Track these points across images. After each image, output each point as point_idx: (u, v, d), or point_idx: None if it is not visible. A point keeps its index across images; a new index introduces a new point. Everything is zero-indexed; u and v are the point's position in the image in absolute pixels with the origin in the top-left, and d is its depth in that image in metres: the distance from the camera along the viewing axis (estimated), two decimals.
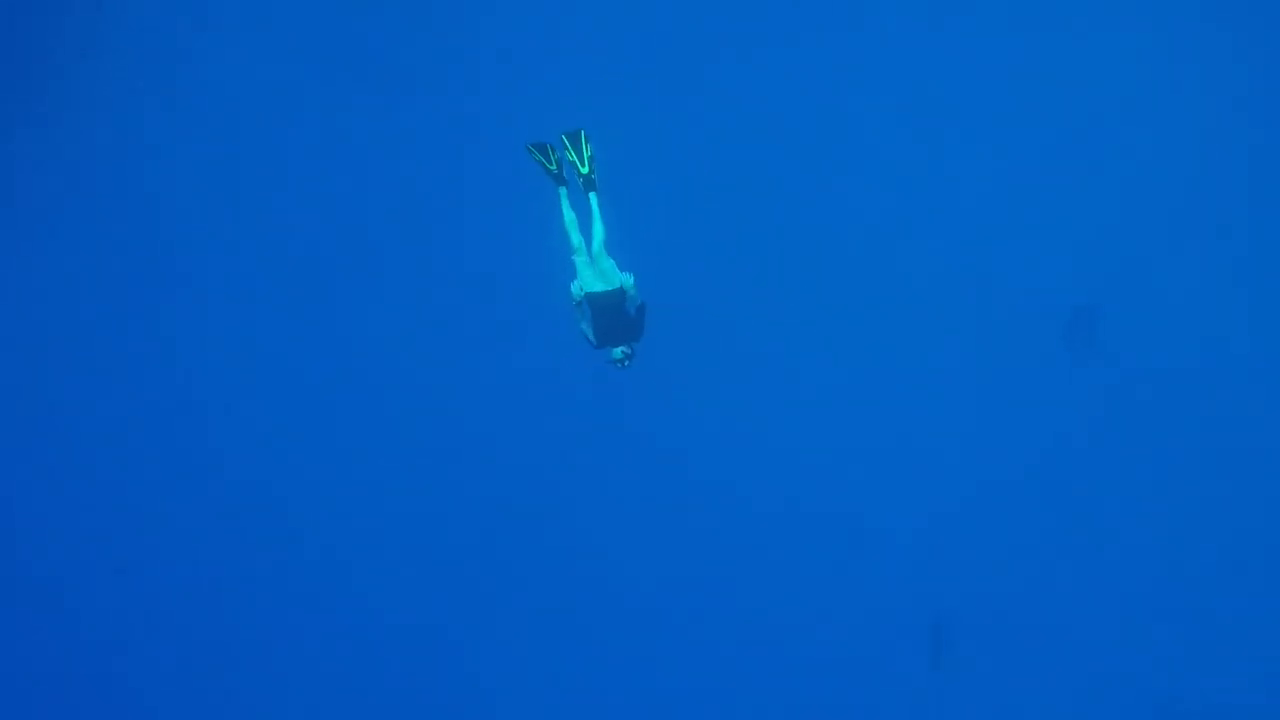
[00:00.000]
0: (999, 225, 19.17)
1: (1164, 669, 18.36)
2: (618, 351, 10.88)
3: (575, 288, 10.98)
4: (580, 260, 10.93)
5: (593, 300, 10.87)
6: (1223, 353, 18.90)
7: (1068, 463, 19.02)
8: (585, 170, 11.15)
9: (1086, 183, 19.09)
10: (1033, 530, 19.02)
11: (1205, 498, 18.74)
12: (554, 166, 11.19)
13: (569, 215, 11.02)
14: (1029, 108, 19.15)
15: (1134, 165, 19.02)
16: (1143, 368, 19.06)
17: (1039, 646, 18.71)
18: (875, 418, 19.17)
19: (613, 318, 10.88)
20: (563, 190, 11.15)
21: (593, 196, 11.14)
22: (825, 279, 19.20)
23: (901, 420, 19.16)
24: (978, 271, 19.20)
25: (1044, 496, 19.04)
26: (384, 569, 19.16)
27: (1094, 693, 18.46)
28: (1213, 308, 19.00)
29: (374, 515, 19.24)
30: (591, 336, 10.95)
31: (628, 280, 10.97)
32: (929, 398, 19.14)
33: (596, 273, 10.88)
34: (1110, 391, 19.07)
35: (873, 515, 19.14)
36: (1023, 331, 19.04)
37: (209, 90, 19.28)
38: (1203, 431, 18.88)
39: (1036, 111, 19.12)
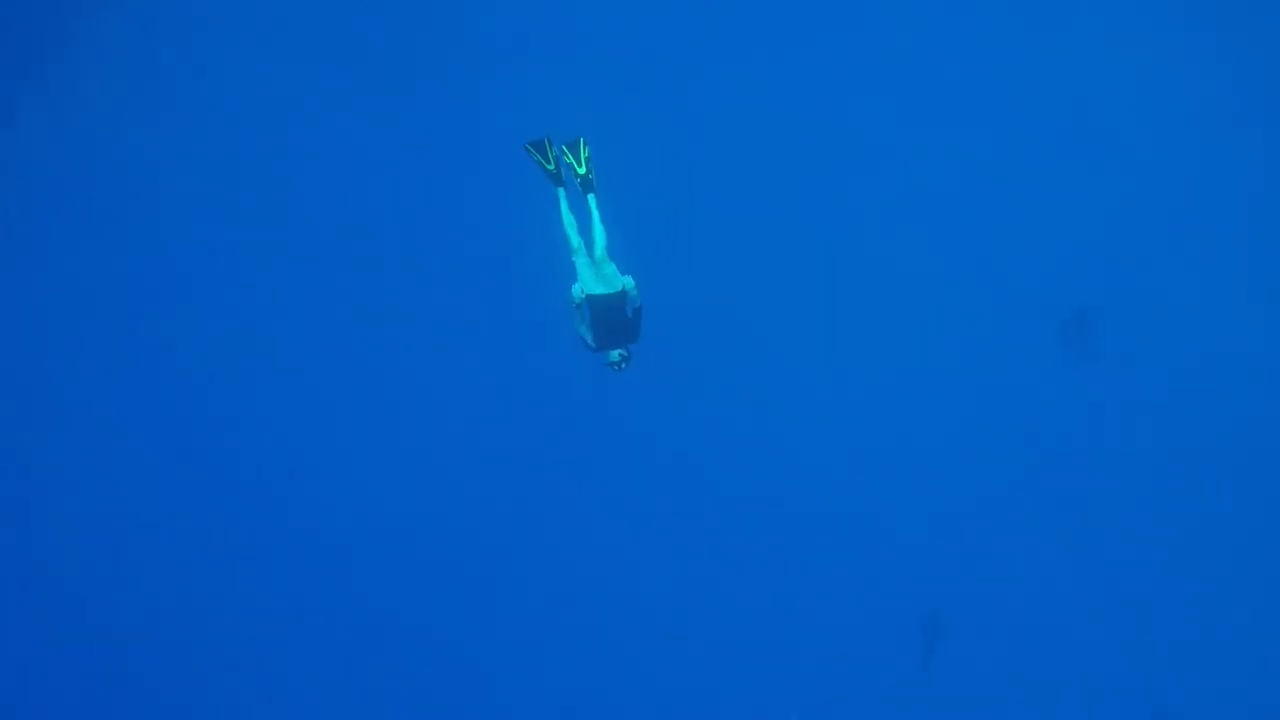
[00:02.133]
0: (998, 227, 19.19)
1: (1158, 674, 18.41)
2: (615, 354, 10.64)
3: (576, 290, 10.73)
4: (580, 262, 10.72)
5: (593, 303, 10.67)
6: (1221, 355, 18.96)
7: (1064, 460, 19.11)
8: (583, 171, 10.89)
9: (1086, 184, 19.09)
10: (1030, 529, 19.10)
11: (1202, 500, 18.85)
12: (551, 165, 10.90)
13: (568, 217, 10.75)
14: (1029, 108, 19.16)
15: (1133, 167, 19.05)
16: (1138, 370, 19.09)
17: (1032, 647, 18.81)
18: (874, 416, 19.26)
19: (612, 320, 10.70)
20: (561, 191, 10.87)
21: (591, 199, 10.89)
22: (824, 280, 19.26)
23: (899, 418, 19.26)
24: (976, 273, 19.22)
25: (1041, 496, 19.13)
26: (383, 571, 19.19)
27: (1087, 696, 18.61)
28: (1211, 310, 19.06)
29: (373, 518, 19.25)
30: (590, 340, 10.74)
31: (628, 282, 10.73)
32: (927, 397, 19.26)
33: (598, 276, 10.67)
34: (1105, 393, 19.11)
35: (871, 514, 19.23)
36: (1020, 332, 19.07)
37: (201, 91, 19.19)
38: (1201, 431, 18.99)
39: (1036, 112, 19.16)
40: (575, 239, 10.71)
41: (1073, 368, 19.07)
